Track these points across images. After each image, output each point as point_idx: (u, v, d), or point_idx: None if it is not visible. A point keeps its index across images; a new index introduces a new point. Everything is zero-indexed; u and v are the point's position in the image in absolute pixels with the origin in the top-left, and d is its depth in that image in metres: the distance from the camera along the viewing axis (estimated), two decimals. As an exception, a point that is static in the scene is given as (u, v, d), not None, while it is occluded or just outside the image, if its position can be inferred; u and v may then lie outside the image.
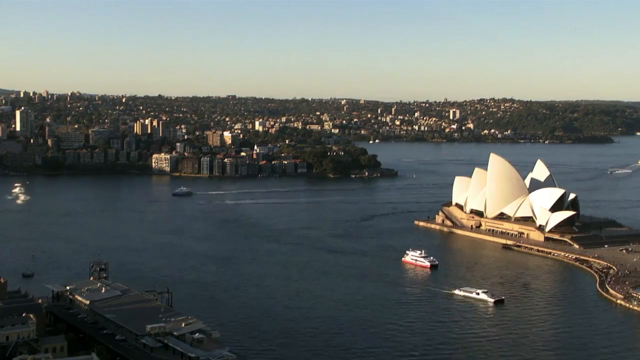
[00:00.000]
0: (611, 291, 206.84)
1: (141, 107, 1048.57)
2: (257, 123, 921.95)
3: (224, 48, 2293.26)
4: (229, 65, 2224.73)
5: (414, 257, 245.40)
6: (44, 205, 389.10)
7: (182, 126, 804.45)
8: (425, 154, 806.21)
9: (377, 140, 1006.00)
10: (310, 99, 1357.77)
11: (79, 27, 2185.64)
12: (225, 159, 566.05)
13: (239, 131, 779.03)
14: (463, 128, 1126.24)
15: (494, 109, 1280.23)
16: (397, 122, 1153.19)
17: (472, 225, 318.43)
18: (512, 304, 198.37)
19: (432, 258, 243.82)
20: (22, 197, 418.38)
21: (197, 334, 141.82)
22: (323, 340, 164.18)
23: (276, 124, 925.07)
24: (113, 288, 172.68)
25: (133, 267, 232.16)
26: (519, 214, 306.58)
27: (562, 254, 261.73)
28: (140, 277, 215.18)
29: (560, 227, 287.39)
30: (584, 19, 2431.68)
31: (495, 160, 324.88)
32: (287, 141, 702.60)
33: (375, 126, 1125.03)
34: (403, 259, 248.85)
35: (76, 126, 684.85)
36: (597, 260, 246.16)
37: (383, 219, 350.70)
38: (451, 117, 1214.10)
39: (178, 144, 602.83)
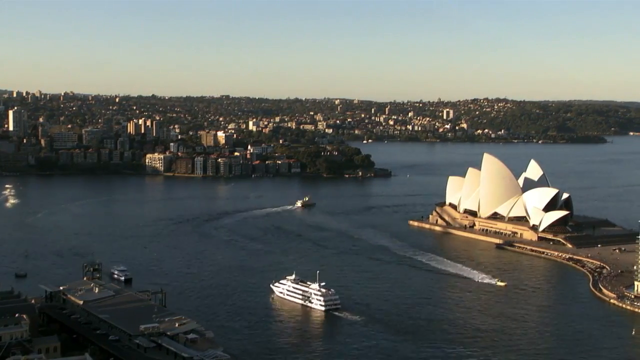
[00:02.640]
0: (604, 291, 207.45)
1: (134, 107, 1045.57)
2: (250, 123, 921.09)
3: (217, 48, 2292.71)
4: (222, 65, 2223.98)
5: None
6: (37, 205, 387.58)
7: (176, 126, 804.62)
8: (418, 154, 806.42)
9: (370, 140, 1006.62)
10: (304, 98, 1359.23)
11: (72, 27, 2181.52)
12: (219, 159, 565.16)
13: (233, 131, 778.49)
14: (456, 128, 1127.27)
15: (488, 109, 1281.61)
16: (391, 122, 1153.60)
17: (465, 225, 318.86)
18: (506, 303, 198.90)
19: None
20: (11, 199, 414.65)
21: (190, 334, 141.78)
22: (318, 342, 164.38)
23: (270, 124, 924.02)
24: (106, 288, 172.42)
25: (126, 267, 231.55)
26: (513, 214, 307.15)
27: (556, 253, 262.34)
28: (134, 277, 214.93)
29: (553, 227, 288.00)
30: (578, 20, 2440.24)
31: (488, 160, 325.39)
32: (280, 141, 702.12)
33: (369, 126, 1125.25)
34: None
35: (69, 126, 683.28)
36: (591, 260, 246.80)
37: (376, 218, 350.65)
38: (445, 117, 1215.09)
39: (172, 143, 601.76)
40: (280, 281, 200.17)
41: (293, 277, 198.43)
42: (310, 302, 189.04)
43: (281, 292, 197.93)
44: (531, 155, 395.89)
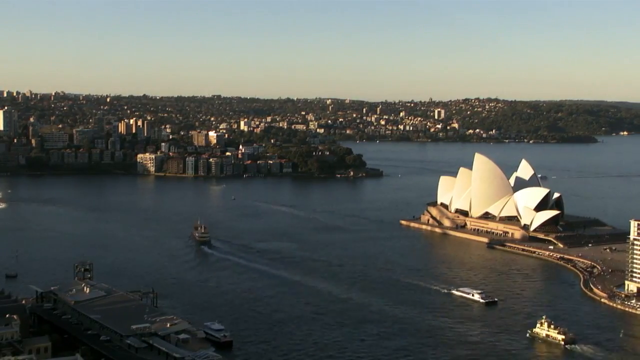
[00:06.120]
0: (595, 290, 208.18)
1: (126, 107, 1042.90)
2: (242, 123, 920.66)
3: (209, 48, 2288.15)
4: (214, 65, 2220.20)
5: None
6: (27, 205, 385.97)
7: (167, 126, 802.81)
8: (410, 154, 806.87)
9: (364, 140, 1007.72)
10: (295, 98, 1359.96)
11: (63, 26, 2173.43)
12: (211, 159, 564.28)
13: (224, 131, 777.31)
14: (448, 128, 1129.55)
15: (479, 109, 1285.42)
16: (382, 122, 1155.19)
17: (457, 225, 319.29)
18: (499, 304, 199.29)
19: None
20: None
21: (182, 334, 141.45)
22: (309, 340, 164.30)
23: (261, 124, 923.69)
24: (97, 288, 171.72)
25: (118, 267, 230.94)
26: (504, 214, 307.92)
27: (547, 253, 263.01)
28: (126, 277, 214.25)
29: (544, 226, 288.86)
30: (569, 20, 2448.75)
31: (480, 160, 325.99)
32: (272, 141, 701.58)
33: (361, 126, 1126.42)
34: None
35: (60, 126, 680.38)
36: (581, 259, 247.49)
37: (368, 218, 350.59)
38: (436, 116, 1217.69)
39: (163, 143, 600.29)
40: None
41: None
42: None
43: None
44: (522, 154, 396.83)
